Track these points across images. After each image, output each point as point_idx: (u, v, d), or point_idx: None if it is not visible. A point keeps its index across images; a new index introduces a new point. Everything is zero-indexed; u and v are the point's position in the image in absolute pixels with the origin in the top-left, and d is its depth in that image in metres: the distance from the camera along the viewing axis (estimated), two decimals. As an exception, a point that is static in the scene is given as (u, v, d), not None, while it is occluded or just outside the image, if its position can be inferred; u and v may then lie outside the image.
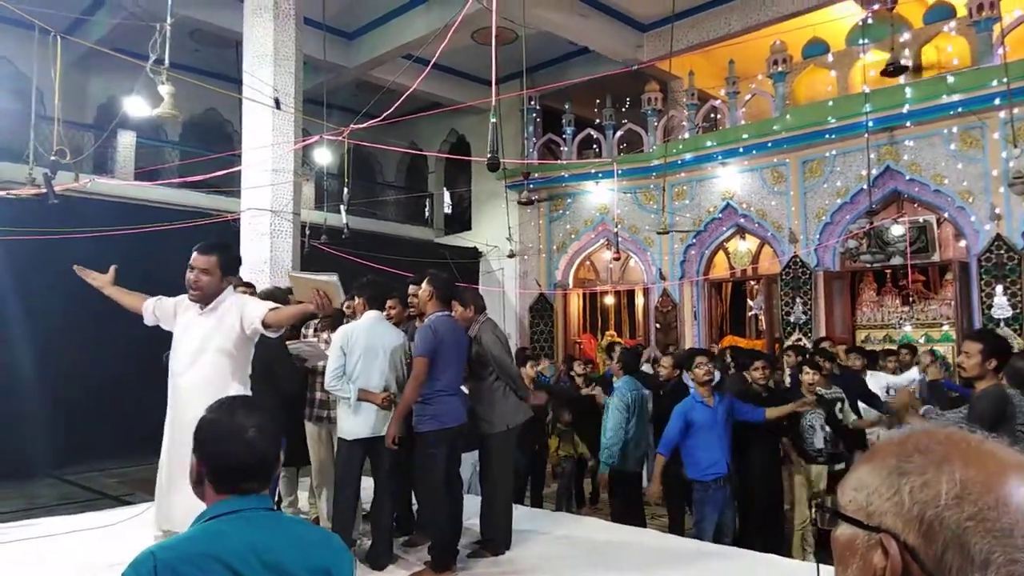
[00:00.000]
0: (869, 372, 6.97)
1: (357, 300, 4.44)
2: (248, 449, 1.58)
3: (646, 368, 7.43)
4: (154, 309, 3.32)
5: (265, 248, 7.26)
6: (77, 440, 8.13)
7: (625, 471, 5.44)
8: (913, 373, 7.04)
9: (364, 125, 6.50)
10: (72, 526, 4.76)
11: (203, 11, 10.16)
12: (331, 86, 11.30)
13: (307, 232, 8.06)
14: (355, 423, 4.14)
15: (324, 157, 10.77)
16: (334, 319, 4.76)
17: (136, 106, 6.48)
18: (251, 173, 7.40)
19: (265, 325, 3.08)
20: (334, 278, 3.21)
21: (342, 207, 7.70)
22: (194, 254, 3.14)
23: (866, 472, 0.71)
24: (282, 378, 4.39)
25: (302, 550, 1.58)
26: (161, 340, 3.37)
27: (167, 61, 5.08)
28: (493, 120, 3.65)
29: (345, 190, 7.83)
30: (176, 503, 2.91)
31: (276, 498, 4.97)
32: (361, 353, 4.16)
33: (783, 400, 5.22)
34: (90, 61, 11.39)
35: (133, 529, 4.22)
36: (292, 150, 7.33)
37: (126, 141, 10.95)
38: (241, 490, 1.59)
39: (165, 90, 5.01)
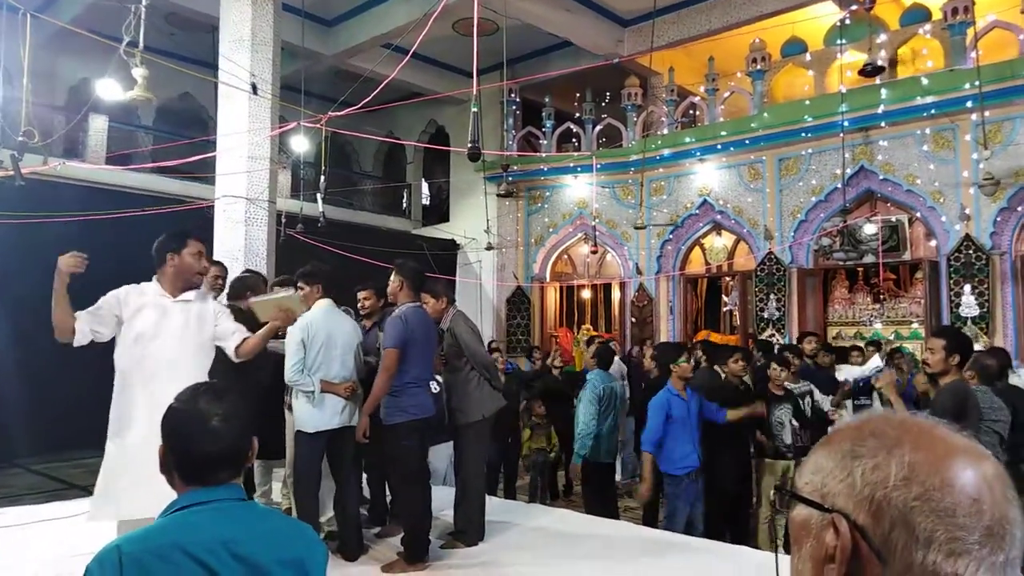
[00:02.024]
0: (837, 367, 7.09)
1: (309, 288, 4.25)
2: (213, 438, 1.55)
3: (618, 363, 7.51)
4: (90, 327, 3.13)
5: (240, 236, 7.15)
6: (44, 429, 7.98)
7: (598, 463, 5.47)
8: (875, 361, 7.19)
9: (342, 113, 6.44)
10: (38, 516, 4.68)
11: (179, -6, 9.99)
12: (309, 73, 11.15)
13: (283, 221, 7.97)
14: (317, 416, 4.06)
15: (301, 145, 10.64)
16: None
17: (109, 89, 6.34)
18: (226, 160, 7.29)
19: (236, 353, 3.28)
20: (292, 292, 3.35)
21: (318, 196, 7.62)
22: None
23: (823, 456, 0.73)
24: (256, 368, 4.35)
25: (273, 542, 1.55)
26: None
27: (141, 43, 4.98)
28: (474, 110, 3.64)
29: (322, 179, 7.74)
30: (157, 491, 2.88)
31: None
32: (322, 344, 4.08)
33: (754, 396, 5.29)
34: (62, 41, 11.11)
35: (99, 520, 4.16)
36: (269, 137, 7.23)
37: (98, 125, 10.73)
38: (209, 480, 1.56)
39: (139, 73, 4.91)
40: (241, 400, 1.68)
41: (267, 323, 3.36)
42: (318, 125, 7.08)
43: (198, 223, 7.68)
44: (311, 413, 4.06)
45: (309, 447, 4.08)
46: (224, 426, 1.57)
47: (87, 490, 5.71)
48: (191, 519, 1.51)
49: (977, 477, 0.67)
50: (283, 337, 4.33)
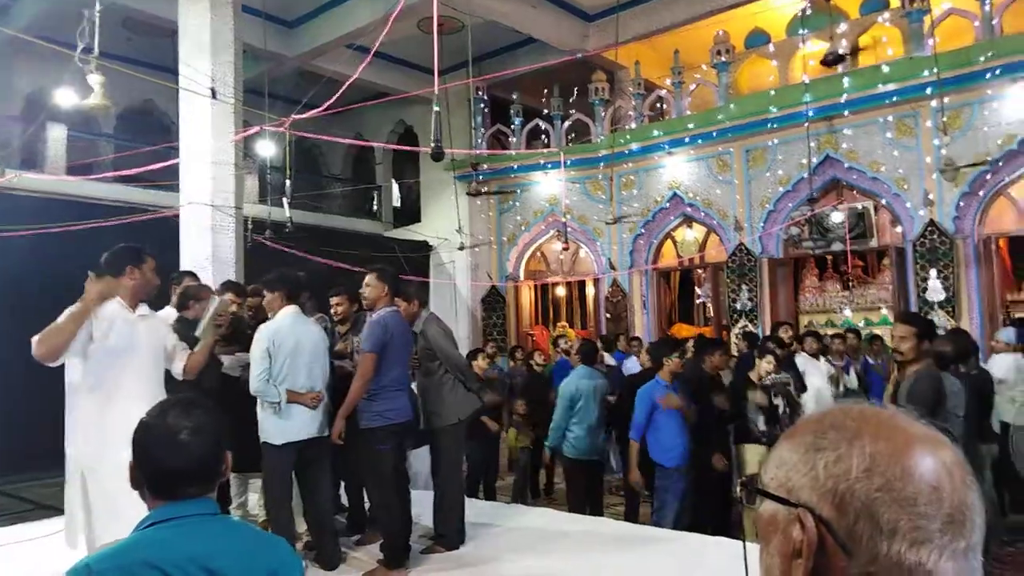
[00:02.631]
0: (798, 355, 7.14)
1: (272, 294, 4.15)
2: (182, 452, 1.52)
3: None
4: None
5: (207, 244, 7.03)
6: (11, 449, 7.77)
7: (577, 459, 5.48)
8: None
9: (307, 115, 6.36)
10: (5, 539, 4.55)
11: (136, -1, 9.79)
12: (273, 76, 11.02)
13: (250, 227, 7.85)
14: (283, 427, 3.98)
15: (267, 149, 10.51)
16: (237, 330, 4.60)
17: (65, 97, 6.20)
18: (190, 166, 7.16)
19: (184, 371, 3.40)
20: (215, 300, 3.56)
21: (285, 200, 7.52)
22: (153, 258, 3.29)
23: (786, 449, 0.73)
24: (238, 377, 4.30)
25: (247, 556, 1.53)
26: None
27: (96, 50, 4.86)
28: (436, 110, 3.61)
29: (287, 182, 7.64)
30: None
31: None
32: (288, 353, 3.98)
33: (736, 388, 5.39)
34: (15, 50, 10.86)
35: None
36: (233, 141, 7.12)
37: (56, 134, 10.48)
38: (179, 495, 1.53)
39: (95, 80, 4.80)
40: (211, 414, 1.65)
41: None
42: (282, 129, 6.99)
43: (163, 232, 7.54)
44: (276, 424, 3.99)
45: (277, 459, 4.01)
46: (193, 440, 1.55)
47: (57, 510, 5.58)
48: (162, 535, 1.48)
49: (936, 465, 0.67)
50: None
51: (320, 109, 5.99)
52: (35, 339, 2.93)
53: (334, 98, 5.66)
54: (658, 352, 5.28)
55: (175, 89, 7.36)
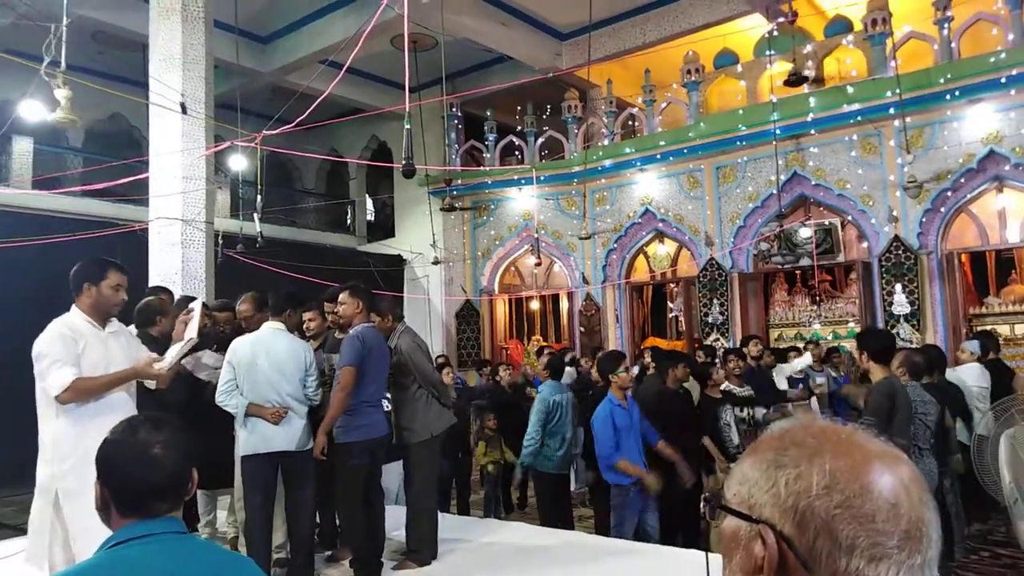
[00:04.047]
0: (777, 367, 7.30)
1: (244, 306, 4.32)
2: (153, 468, 1.50)
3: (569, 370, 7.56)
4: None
5: (176, 259, 6.95)
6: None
7: (550, 473, 5.47)
8: (807, 359, 7.44)
9: (278, 131, 6.35)
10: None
11: (106, 12, 9.69)
12: (245, 91, 10.96)
13: (220, 241, 7.78)
14: (246, 438, 4.03)
15: (239, 164, 10.43)
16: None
17: (31, 110, 6.11)
18: (160, 181, 7.09)
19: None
20: (195, 313, 3.53)
21: (255, 215, 7.47)
22: (119, 273, 3.22)
23: (748, 466, 0.74)
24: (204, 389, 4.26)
25: (213, 575, 1.51)
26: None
27: (63, 63, 4.81)
28: (407, 127, 3.63)
29: (258, 197, 7.60)
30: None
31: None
32: (246, 367, 4.03)
33: (695, 403, 5.43)
34: (-20, 62, 10.69)
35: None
36: (203, 156, 7.07)
37: (22, 148, 10.32)
38: (149, 512, 1.52)
39: (62, 94, 4.74)
40: (180, 430, 1.64)
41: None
42: (253, 144, 6.96)
43: (132, 246, 7.45)
44: (242, 435, 4.06)
45: (246, 470, 4.05)
46: (165, 455, 1.53)
47: (19, 529, 5.44)
48: (128, 554, 1.46)
49: (894, 481, 0.69)
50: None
51: (292, 124, 5.99)
52: (69, 385, 2.96)
53: (306, 113, 5.66)
54: (603, 368, 5.05)
55: (144, 104, 7.29)
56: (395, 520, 4.45)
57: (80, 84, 5.39)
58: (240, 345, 4.08)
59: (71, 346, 3.02)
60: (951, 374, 5.97)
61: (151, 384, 3.37)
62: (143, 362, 3.16)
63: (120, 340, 3.28)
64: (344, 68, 5.32)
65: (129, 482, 1.52)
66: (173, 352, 3.39)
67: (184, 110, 6.59)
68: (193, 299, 4.69)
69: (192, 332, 3.41)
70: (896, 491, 0.68)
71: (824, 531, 0.66)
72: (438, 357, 7.95)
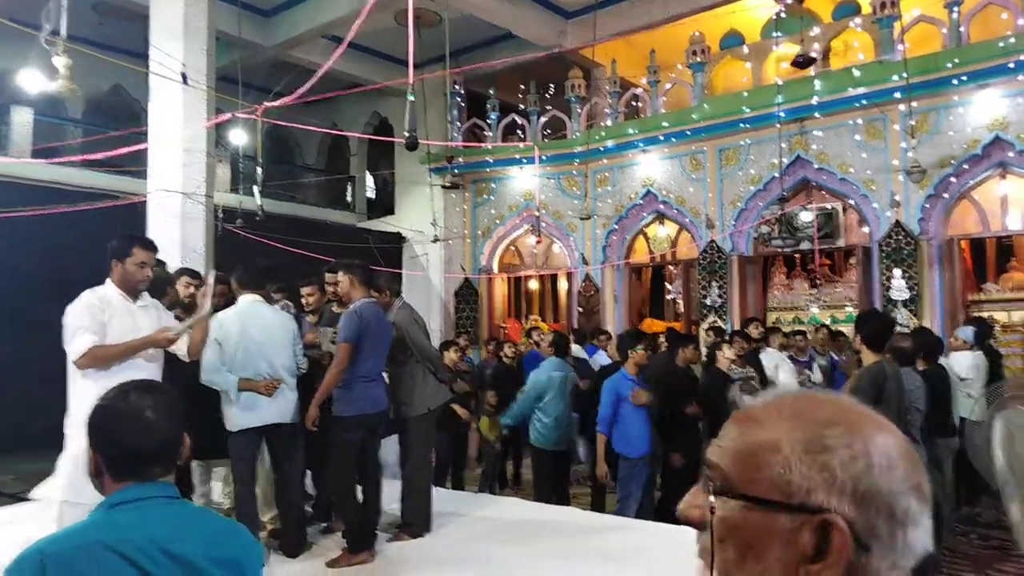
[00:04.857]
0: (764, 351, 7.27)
1: (235, 284, 4.24)
2: (146, 431, 1.51)
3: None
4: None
5: (175, 231, 6.95)
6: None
7: (548, 450, 5.52)
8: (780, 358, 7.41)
9: (278, 103, 6.30)
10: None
11: (107, -19, 9.60)
12: (247, 65, 10.87)
13: (220, 215, 7.76)
14: (237, 414, 3.98)
15: (240, 138, 10.39)
16: None
17: (31, 79, 6.07)
18: (160, 153, 7.07)
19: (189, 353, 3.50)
20: (209, 281, 3.53)
21: (255, 188, 7.45)
22: (144, 250, 3.30)
23: (766, 450, 0.68)
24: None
25: (208, 541, 1.52)
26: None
27: (64, 31, 4.77)
28: (411, 99, 3.60)
29: (259, 170, 7.56)
30: None
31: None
32: (237, 341, 3.98)
33: (708, 384, 5.49)
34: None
35: (32, 527, 4.00)
36: (205, 128, 7.03)
37: (21, 118, 10.26)
38: (142, 476, 1.53)
39: (61, 63, 4.71)
40: (171, 394, 1.65)
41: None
42: (254, 116, 6.92)
43: (131, 219, 7.43)
44: (232, 412, 4.00)
45: (236, 446, 4.03)
46: (158, 418, 1.54)
47: (16, 497, 5.49)
48: (121, 517, 1.47)
49: (905, 444, 0.70)
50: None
51: (293, 96, 5.94)
52: (85, 352, 3.04)
53: (307, 85, 5.62)
54: (623, 344, 5.32)
55: (145, 74, 7.24)
56: (390, 493, 4.49)
57: (80, 53, 5.34)
58: (227, 320, 4.00)
59: (97, 315, 3.13)
60: (944, 361, 6.00)
61: (182, 351, 3.42)
62: (158, 332, 3.24)
63: (150, 314, 3.36)
64: (344, 43, 5.26)
65: (123, 447, 1.52)
66: (187, 323, 3.45)
67: (185, 80, 6.54)
68: (191, 271, 4.71)
69: (207, 304, 3.44)
70: (908, 454, 0.69)
71: (885, 508, 0.66)
72: (457, 335, 8.00)
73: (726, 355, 5.61)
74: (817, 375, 7.23)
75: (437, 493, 4.72)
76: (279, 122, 8.66)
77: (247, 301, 4.13)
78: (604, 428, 4.94)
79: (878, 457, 0.67)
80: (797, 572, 0.65)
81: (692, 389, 5.51)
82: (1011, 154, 8.53)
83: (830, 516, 0.64)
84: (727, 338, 6.39)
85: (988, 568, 4.74)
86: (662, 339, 7.38)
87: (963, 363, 6.06)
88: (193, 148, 7.06)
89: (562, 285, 12.97)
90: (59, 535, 1.47)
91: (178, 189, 6.93)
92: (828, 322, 9.75)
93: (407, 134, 3.64)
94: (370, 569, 3.89)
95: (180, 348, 3.43)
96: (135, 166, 8.91)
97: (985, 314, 8.75)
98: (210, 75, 7.26)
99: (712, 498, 0.70)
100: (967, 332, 6.33)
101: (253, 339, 4.02)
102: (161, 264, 5.04)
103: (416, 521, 4.34)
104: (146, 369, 3.22)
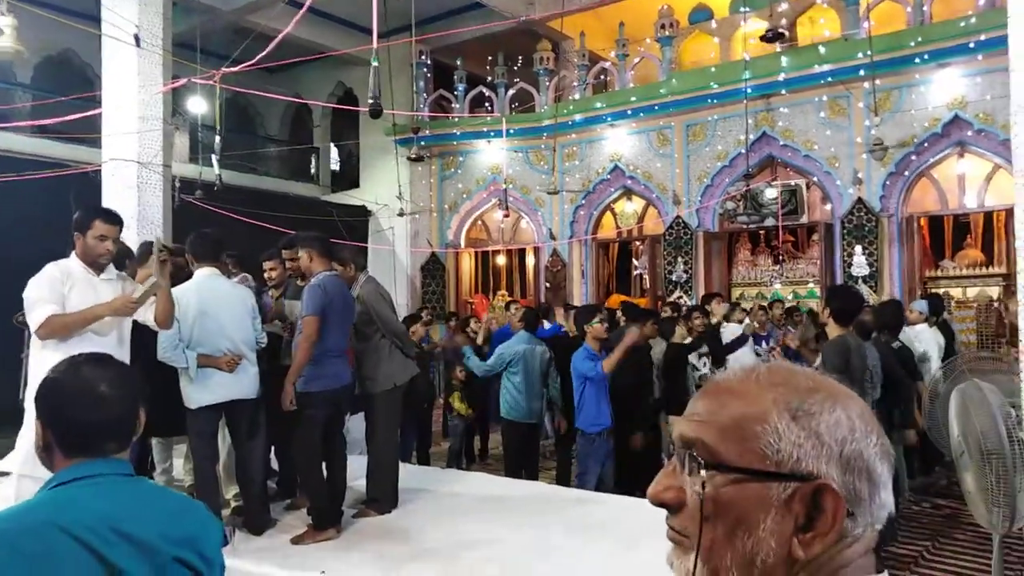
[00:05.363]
0: (723, 324, 7.36)
1: (188, 257, 4.10)
2: (99, 405, 1.44)
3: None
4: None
5: (132, 202, 6.70)
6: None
7: (518, 423, 5.51)
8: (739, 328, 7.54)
9: (237, 68, 6.09)
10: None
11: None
12: (206, 30, 10.54)
13: (177, 186, 7.54)
14: (196, 392, 3.87)
15: (199, 106, 10.07)
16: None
17: (-27, 40, 5.77)
18: (114, 119, 6.80)
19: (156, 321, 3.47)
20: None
21: (214, 157, 7.23)
22: (105, 223, 3.26)
23: (752, 420, 0.67)
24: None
25: (162, 519, 1.46)
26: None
27: (7, -11, 4.54)
28: (375, 63, 3.49)
29: (217, 139, 7.32)
30: None
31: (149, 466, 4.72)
32: (195, 317, 3.85)
33: (668, 358, 5.53)
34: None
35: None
36: (160, 93, 6.78)
37: (-35, 81, 9.80)
38: (95, 453, 1.46)
39: (5, 22, 4.47)
40: (126, 368, 1.58)
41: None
42: (212, 82, 6.69)
43: (85, 189, 7.18)
44: (190, 389, 3.88)
45: (195, 423, 3.93)
46: (112, 392, 1.47)
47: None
48: (70, 494, 1.40)
49: (870, 411, 0.71)
50: None
51: (252, 62, 5.75)
52: (43, 321, 3.05)
53: (267, 50, 5.44)
54: (580, 319, 5.32)
55: (97, 36, 6.95)
56: (358, 470, 4.45)
57: (26, 11, 5.10)
58: (183, 295, 3.82)
59: (56, 287, 3.14)
60: (903, 334, 6.12)
61: (150, 320, 3.40)
62: (118, 299, 3.23)
63: (114, 286, 3.34)
64: (304, 7, 5.09)
65: (75, 421, 1.45)
66: (144, 290, 3.40)
67: (138, 42, 6.28)
68: (151, 243, 4.55)
69: (164, 271, 3.41)
70: (873, 415, 0.71)
71: (865, 472, 0.66)
72: (420, 310, 7.92)
73: (680, 332, 5.68)
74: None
75: (404, 469, 4.69)
76: (239, 89, 8.41)
77: (204, 275, 3.99)
78: (595, 373, 4.82)
79: (857, 422, 0.67)
80: (789, 544, 0.65)
81: (649, 363, 5.58)
82: (969, 133, 8.70)
83: (823, 481, 0.64)
84: (684, 313, 6.48)
85: (941, 536, 4.89)
86: (619, 314, 7.36)
87: (923, 337, 6.20)
88: (149, 115, 6.80)
89: (530, 260, 12.95)
90: (7, 513, 1.40)
91: (134, 158, 6.69)
92: (791, 297, 9.91)
93: (371, 100, 3.54)
94: (335, 545, 3.85)
95: (148, 317, 3.40)
96: (89, 133, 8.60)
97: (941, 290, 8.97)
98: (166, 39, 6.99)
99: (703, 472, 0.68)
100: (922, 304, 6.50)
101: (211, 314, 3.89)
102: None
103: (382, 497, 4.31)
104: (108, 342, 3.18)
